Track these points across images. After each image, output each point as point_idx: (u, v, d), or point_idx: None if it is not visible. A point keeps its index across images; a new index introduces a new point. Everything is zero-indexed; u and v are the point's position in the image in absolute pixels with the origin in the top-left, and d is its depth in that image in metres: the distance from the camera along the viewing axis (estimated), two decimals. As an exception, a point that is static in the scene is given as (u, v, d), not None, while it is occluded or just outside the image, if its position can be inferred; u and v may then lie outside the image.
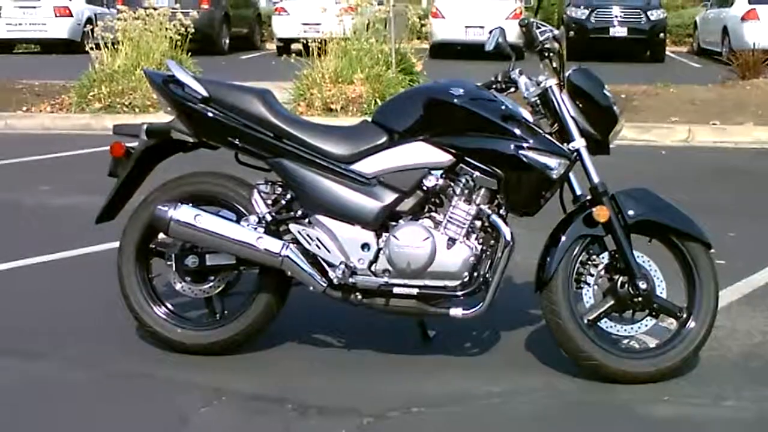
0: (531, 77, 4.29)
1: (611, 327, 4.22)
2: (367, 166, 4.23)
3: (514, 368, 4.32)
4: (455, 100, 4.17)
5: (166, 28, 12.65)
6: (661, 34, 22.60)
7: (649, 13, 22.55)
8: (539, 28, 4.24)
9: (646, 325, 4.25)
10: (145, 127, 4.40)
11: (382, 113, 4.35)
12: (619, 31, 22.48)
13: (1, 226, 6.87)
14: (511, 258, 4.17)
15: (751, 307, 5.16)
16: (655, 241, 4.28)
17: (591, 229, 4.18)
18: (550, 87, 4.21)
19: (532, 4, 26.06)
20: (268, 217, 4.27)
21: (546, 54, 4.21)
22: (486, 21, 22.06)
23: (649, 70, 19.24)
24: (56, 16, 24.12)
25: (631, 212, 4.18)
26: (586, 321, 4.14)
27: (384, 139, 4.25)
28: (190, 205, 4.27)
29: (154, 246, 4.45)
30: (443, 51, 23.26)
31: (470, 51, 22.49)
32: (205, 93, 4.28)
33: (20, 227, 6.83)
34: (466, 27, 22.49)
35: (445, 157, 4.18)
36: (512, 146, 4.10)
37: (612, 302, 4.20)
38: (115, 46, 12.42)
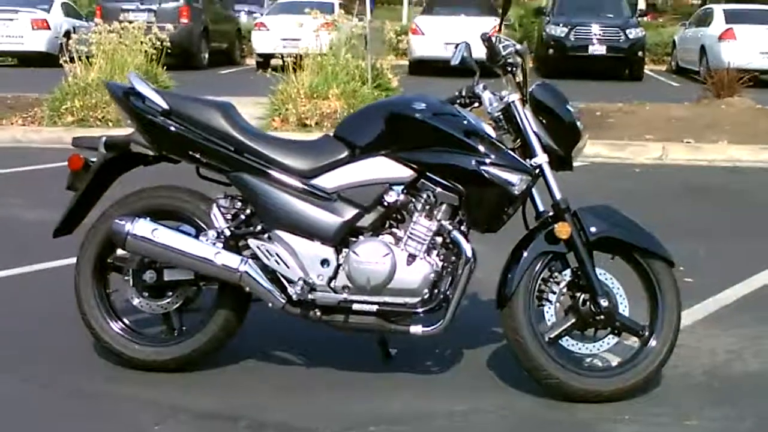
0: (495, 92, 4.26)
1: (573, 345, 4.18)
2: (327, 181, 4.18)
3: (476, 387, 4.27)
4: (417, 115, 4.13)
5: (141, 42, 12.58)
6: (640, 53, 22.62)
7: (627, 31, 22.58)
8: (502, 42, 4.21)
9: (609, 344, 4.21)
10: (103, 139, 4.35)
11: (344, 127, 4.31)
12: (598, 50, 22.48)
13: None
14: (472, 275, 4.12)
15: (716, 326, 5.13)
16: (618, 258, 4.24)
17: (552, 246, 4.14)
18: (513, 102, 4.17)
19: (512, 22, 26.09)
20: (227, 232, 4.22)
21: (509, 69, 4.18)
22: (465, 38, 21.84)
23: (627, 88, 19.30)
24: (33, 28, 23.99)
25: (593, 229, 4.14)
26: (547, 339, 4.10)
27: (345, 153, 4.20)
28: (148, 219, 4.20)
29: (111, 261, 4.38)
30: (422, 67, 23.27)
31: (449, 68, 22.51)
32: (165, 105, 4.23)
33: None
34: (446, 44, 22.34)
35: (406, 173, 4.14)
36: (473, 162, 4.06)
37: (574, 320, 4.16)
38: (90, 60, 12.34)
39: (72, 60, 12.37)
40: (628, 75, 22.70)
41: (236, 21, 27.71)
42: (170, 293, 4.33)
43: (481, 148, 4.08)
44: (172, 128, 4.22)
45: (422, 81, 21.12)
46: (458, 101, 4.33)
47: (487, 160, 4.06)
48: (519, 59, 4.18)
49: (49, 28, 24.12)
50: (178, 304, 4.35)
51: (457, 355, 4.60)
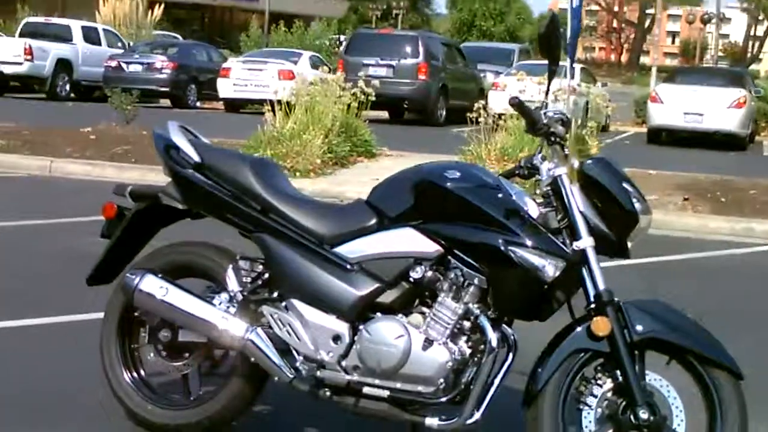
0: (555, 164, 3.77)
1: (611, 461, 3.60)
2: (351, 250, 3.82)
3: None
4: (448, 185, 3.71)
5: (339, 96, 12.57)
6: None
7: None
8: (546, 109, 3.74)
9: (654, 464, 3.60)
10: (129, 188, 4.17)
11: (376, 194, 3.93)
12: None
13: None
14: (506, 366, 3.63)
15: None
16: (675, 364, 3.65)
17: (593, 343, 3.60)
18: (560, 176, 3.68)
19: (763, 93, 24.70)
20: (239, 296, 3.93)
21: (552, 139, 3.70)
22: (705, 108, 21.19)
23: None
24: (280, 79, 24.80)
25: (639, 327, 3.58)
26: (577, 448, 3.56)
27: (373, 221, 3.83)
28: (159, 276, 3.98)
29: (138, 315, 4.18)
30: (662, 137, 22.42)
31: (690, 138, 21.60)
32: (197, 158, 4.02)
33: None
34: (685, 113, 21.55)
35: (432, 247, 3.72)
36: (501, 241, 3.59)
37: (610, 430, 3.60)
38: (290, 110, 12.46)
39: (274, 110, 12.52)
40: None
41: (479, 80, 27.59)
42: (187, 354, 4.08)
43: (513, 227, 3.61)
44: (200, 182, 4.00)
45: (657, 150, 20.36)
46: (517, 172, 3.88)
47: (516, 240, 3.58)
48: (561, 128, 3.69)
49: (293, 79, 24.86)
50: (194, 366, 4.08)
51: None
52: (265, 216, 3.93)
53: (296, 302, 3.85)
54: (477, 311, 3.67)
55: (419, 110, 24.26)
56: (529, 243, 3.59)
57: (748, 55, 73.82)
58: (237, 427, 4.14)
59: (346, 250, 3.83)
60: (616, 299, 3.62)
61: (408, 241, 3.75)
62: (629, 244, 3.75)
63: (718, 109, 21.20)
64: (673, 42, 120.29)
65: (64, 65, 25.84)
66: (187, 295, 3.95)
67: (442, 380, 3.66)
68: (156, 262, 4.14)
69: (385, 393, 3.72)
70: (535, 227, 3.64)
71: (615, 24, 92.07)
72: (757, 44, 75.53)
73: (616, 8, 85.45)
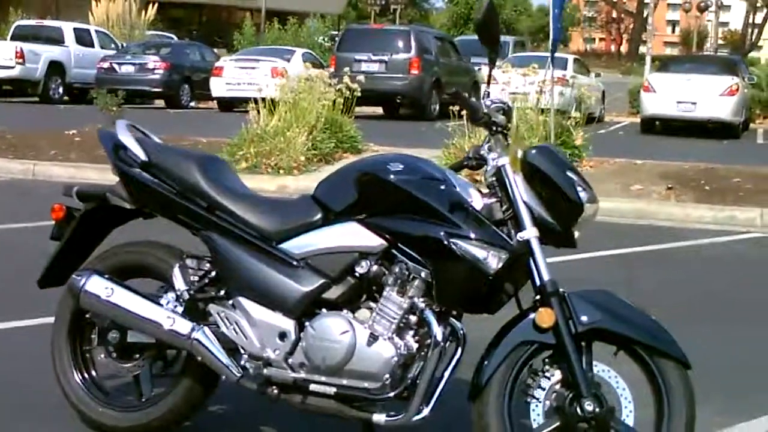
0: (499, 154, 3.72)
1: (560, 454, 3.56)
2: (296, 246, 3.79)
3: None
4: (390, 177, 3.67)
5: (324, 92, 12.52)
6: None
7: None
8: (488, 99, 3.70)
9: (603, 455, 3.56)
10: (75, 189, 4.14)
11: (321, 188, 3.89)
12: None
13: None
14: (454, 360, 3.60)
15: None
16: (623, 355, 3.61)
17: (538, 335, 3.56)
18: (503, 167, 3.64)
19: (756, 81, 24.63)
20: (186, 295, 3.90)
21: (494, 128, 3.66)
22: (698, 97, 21.16)
23: None
24: (273, 76, 24.72)
25: (584, 318, 3.53)
26: (524, 443, 3.52)
27: (318, 216, 3.80)
28: (105, 276, 3.95)
29: (89, 316, 4.15)
30: (656, 126, 22.37)
31: (684, 127, 21.54)
32: (144, 157, 3.98)
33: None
34: (678, 102, 21.49)
35: (376, 242, 3.68)
36: (443, 233, 3.55)
37: (558, 423, 3.56)
38: (274, 107, 12.42)
39: (258, 108, 12.48)
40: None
41: (472, 73, 27.51)
42: (137, 355, 4.05)
43: (456, 219, 3.57)
44: (147, 181, 3.97)
45: (649, 140, 20.30)
46: (466, 164, 3.83)
47: (459, 233, 3.55)
48: (502, 118, 3.65)
49: (286, 76, 24.78)
50: (145, 367, 4.05)
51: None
52: (211, 214, 3.89)
53: (243, 300, 3.82)
54: (422, 305, 3.63)
55: (412, 105, 24.20)
56: (471, 235, 3.55)
57: (747, 42, 73.57)
58: (194, 426, 4.11)
59: (291, 246, 3.80)
60: (561, 290, 3.57)
61: (352, 235, 3.71)
62: (576, 234, 3.71)
63: (710, 97, 21.15)
64: (673, 31, 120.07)
65: (56, 68, 25.84)
66: (133, 295, 3.92)
67: (387, 375, 3.62)
68: (105, 262, 4.11)
69: (332, 390, 3.68)
70: (479, 219, 3.60)
71: (615, 14, 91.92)
72: (756, 31, 75.29)
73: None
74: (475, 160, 3.78)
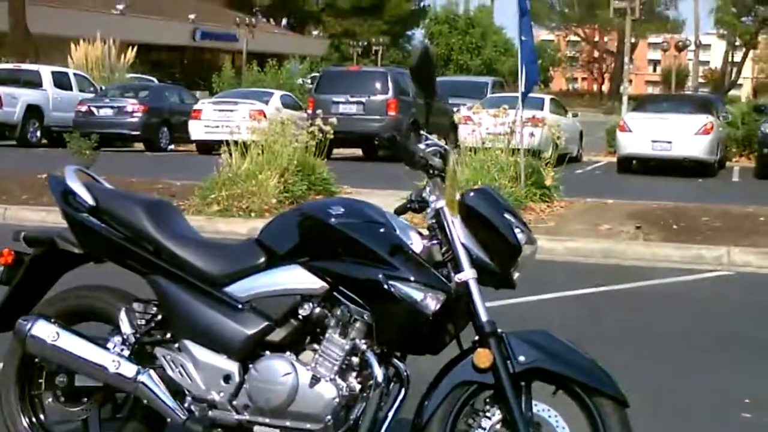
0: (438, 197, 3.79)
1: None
2: (241, 289, 3.84)
3: None
4: (331, 221, 3.73)
5: (297, 134, 12.59)
6: None
7: None
8: (426, 141, 3.77)
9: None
10: (23, 234, 4.18)
11: (266, 232, 3.95)
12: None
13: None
14: (395, 401, 3.64)
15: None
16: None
17: (478, 375, 3.61)
18: (441, 209, 3.70)
19: (731, 119, 24.84)
20: (132, 339, 3.94)
21: (431, 172, 3.72)
22: (673, 136, 21.34)
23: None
24: (251, 119, 24.80)
25: (522, 358, 3.59)
26: (459, 482, 3.55)
27: (262, 260, 3.85)
28: (51, 321, 3.99)
29: (37, 361, 4.17)
30: (633, 166, 22.53)
31: (662, 167, 21.69)
32: (92, 202, 4.03)
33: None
34: (653, 141, 21.65)
35: (318, 284, 3.73)
36: (381, 275, 3.61)
37: (497, 462, 3.60)
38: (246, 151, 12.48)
39: (230, 151, 12.54)
40: None
41: (450, 114, 27.64)
42: (85, 399, 4.07)
43: (394, 261, 3.63)
44: (94, 226, 4.01)
45: (624, 179, 20.42)
46: (409, 206, 3.89)
47: (397, 275, 3.60)
48: (437, 161, 3.71)
49: (266, 118, 24.88)
50: (93, 411, 4.07)
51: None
52: (157, 258, 3.94)
53: (188, 343, 3.86)
54: (364, 347, 3.68)
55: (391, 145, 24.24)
56: (409, 277, 3.60)
57: (727, 81, 74.24)
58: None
59: (236, 290, 3.85)
60: (498, 330, 3.62)
61: (295, 278, 3.77)
62: (515, 275, 3.76)
63: (685, 136, 21.30)
64: (654, 70, 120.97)
65: (34, 111, 25.81)
66: (79, 340, 3.95)
67: (329, 417, 3.66)
68: (54, 307, 4.14)
69: (276, 431, 3.72)
70: (417, 261, 3.66)
71: (596, 54, 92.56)
72: (735, 70, 76.01)
73: (596, 38, 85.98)
74: (418, 203, 3.85)
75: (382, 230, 3.71)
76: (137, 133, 25.74)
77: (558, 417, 3.65)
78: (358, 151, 25.24)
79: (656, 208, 12.17)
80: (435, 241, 3.73)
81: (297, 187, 12.18)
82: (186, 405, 3.83)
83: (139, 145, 26.68)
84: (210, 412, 3.79)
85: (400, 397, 3.69)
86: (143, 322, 4.00)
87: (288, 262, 3.80)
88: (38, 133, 26.15)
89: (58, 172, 4.26)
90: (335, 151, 25.20)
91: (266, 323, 3.77)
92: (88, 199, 4.04)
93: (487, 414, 3.65)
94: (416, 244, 3.73)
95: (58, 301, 4.17)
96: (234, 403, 3.77)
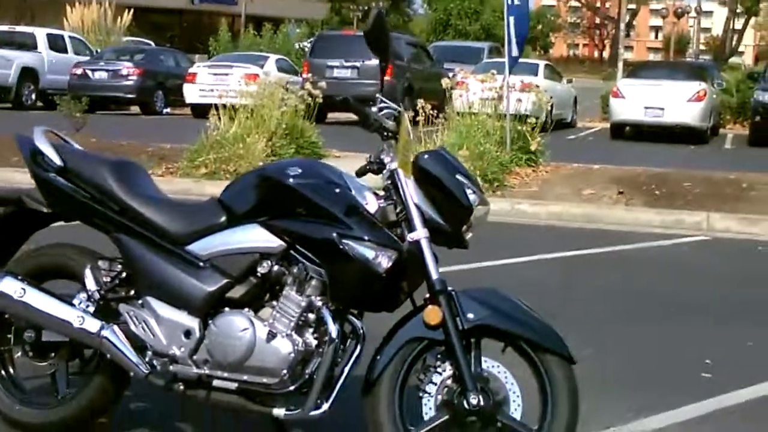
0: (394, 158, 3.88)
1: (450, 447, 3.72)
2: (202, 247, 3.94)
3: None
4: (289, 181, 3.83)
5: (283, 98, 12.67)
6: None
7: None
8: (381, 104, 3.86)
9: (492, 448, 3.71)
10: (-11, 193, 4.28)
11: (227, 192, 4.05)
12: (810, 117, 21.07)
13: None
14: (351, 357, 3.76)
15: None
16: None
17: (428, 332, 3.72)
18: (395, 170, 3.80)
19: (726, 86, 24.87)
20: (97, 295, 4.05)
21: (384, 134, 3.82)
22: (666, 102, 21.38)
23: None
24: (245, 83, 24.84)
25: (470, 315, 3.69)
26: (415, 436, 3.67)
27: (223, 219, 3.95)
28: (19, 278, 4.10)
29: (7, 317, 4.28)
30: (625, 131, 22.60)
31: (654, 133, 21.77)
32: (59, 162, 4.12)
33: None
34: (645, 108, 21.70)
35: (276, 243, 3.84)
36: (335, 234, 3.71)
37: (446, 417, 3.71)
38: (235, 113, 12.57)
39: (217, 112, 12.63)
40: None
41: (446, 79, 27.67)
42: (52, 354, 4.19)
43: (348, 221, 3.73)
44: (61, 185, 4.11)
45: (615, 145, 20.49)
46: (368, 168, 3.99)
47: (350, 233, 3.70)
48: (391, 123, 3.81)
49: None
50: (61, 366, 4.19)
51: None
52: (121, 216, 4.04)
53: (151, 299, 3.97)
54: (320, 304, 3.79)
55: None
56: (362, 236, 3.70)
57: (728, 48, 73.99)
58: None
59: (198, 248, 3.95)
60: (449, 288, 3.73)
61: (254, 237, 3.87)
62: (468, 235, 3.86)
63: (677, 102, 21.36)
64: (656, 37, 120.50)
65: (29, 74, 25.84)
66: (44, 296, 4.06)
67: (285, 371, 3.77)
68: (23, 265, 4.24)
69: (234, 385, 3.83)
70: (371, 221, 3.76)
71: (597, 20, 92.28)
72: (736, 37, 75.72)
73: (598, 5, 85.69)
74: (376, 165, 3.94)
75: (337, 191, 3.81)
76: (132, 96, 25.80)
77: (507, 373, 3.76)
78: (353, 116, 25.22)
79: (640, 173, 12.26)
80: (390, 202, 3.83)
81: (284, 150, 12.28)
82: (148, 360, 3.95)
83: (135, 108, 26.74)
84: (171, 367, 3.90)
85: (356, 353, 3.80)
86: (108, 279, 4.10)
87: (247, 221, 3.90)
88: (33, 96, 26.21)
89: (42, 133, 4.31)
90: (330, 115, 25.38)
91: (226, 280, 3.88)
92: (56, 160, 4.13)
93: (438, 369, 3.75)
94: (371, 204, 3.83)
95: (27, 259, 4.27)
96: (194, 357, 3.89)
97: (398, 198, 3.80)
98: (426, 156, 3.84)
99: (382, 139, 3.85)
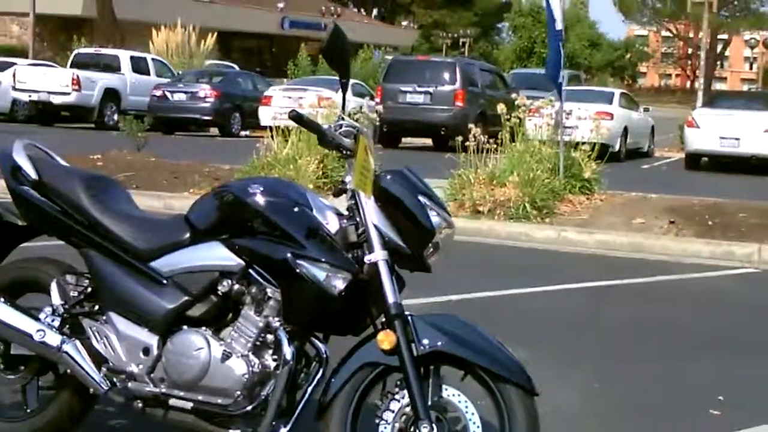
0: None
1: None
2: (165, 264, 3.91)
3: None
4: (248, 200, 3.78)
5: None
6: None
7: None
8: (341, 122, 3.78)
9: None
10: (-33, 207, 4.30)
11: (192, 209, 4.02)
12: None
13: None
14: (313, 380, 3.69)
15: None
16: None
17: (383, 357, 3.62)
18: (356, 190, 3.72)
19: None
20: (61, 310, 4.04)
21: (342, 152, 3.74)
22: (742, 133, 20.92)
23: None
24: (320, 106, 24.96)
25: (426, 341, 3.59)
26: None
27: (187, 236, 3.92)
28: None
29: (-20, 329, 4.30)
30: (702, 162, 22.16)
31: (732, 164, 21.30)
32: (35, 176, 4.14)
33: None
34: (721, 138, 21.25)
35: (234, 261, 3.79)
36: (289, 255, 3.64)
37: (401, 445, 3.61)
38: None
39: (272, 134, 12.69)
40: None
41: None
42: (22, 367, 4.19)
43: (303, 241, 3.66)
44: (34, 199, 4.12)
45: (688, 176, 20.09)
46: (341, 188, 3.91)
47: (305, 254, 3.63)
48: (347, 141, 3.72)
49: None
50: (30, 379, 4.19)
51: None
52: (90, 231, 4.03)
53: (114, 315, 3.95)
54: (277, 324, 3.73)
55: (455, 137, 24.24)
56: (316, 257, 3.63)
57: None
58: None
59: (161, 264, 3.92)
60: (405, 313, 3.63)
61: (214, 255, 3.82)
62: (433, 258, 3.76)
63: (754, 133, 20.89)
64: (750, 68, 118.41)
65: (111, 95, 26.38)
66: (10, 309, 4.07)
67: (239, 392, 3.71)
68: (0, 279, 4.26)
69: (189, 405, 3.79)
70: (327, 241, 3.68)
71: (691, 50, 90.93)
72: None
73: (691, 35, 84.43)
74: (346, 185, 3.86)
75: (296, 209, 3.74)
76: (209, 117, 26.10)
77: (468, 402, 3.64)
78: (429, 141, 25.24)
79: (696, 203, 11.95)
80: (352, 222, 3.75)
81: (336, 173, 12.25)
82: (108, 376, 3.92)
83: (215, 130, 27.04)
84: (130, 384, 3.87)
85: (318, 376, 3.72)
86: (75, 293, 4.09)
87: (209, 239, 3.86)
88: (115, 117, 26.63)
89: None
90: (404, 140, 25.37)
91: (186, 298, 3.83)
92: (32, 173, 4.14)
93: (396, 396, 3.66)
94: (332, 224, 3.75)
95: (3, 273, 4.29)
96: (151, 375, 3.85)
97: (359, 218, 3.72)
98: (388, 176, 3.75)
99: (341, 157, 3.78)
